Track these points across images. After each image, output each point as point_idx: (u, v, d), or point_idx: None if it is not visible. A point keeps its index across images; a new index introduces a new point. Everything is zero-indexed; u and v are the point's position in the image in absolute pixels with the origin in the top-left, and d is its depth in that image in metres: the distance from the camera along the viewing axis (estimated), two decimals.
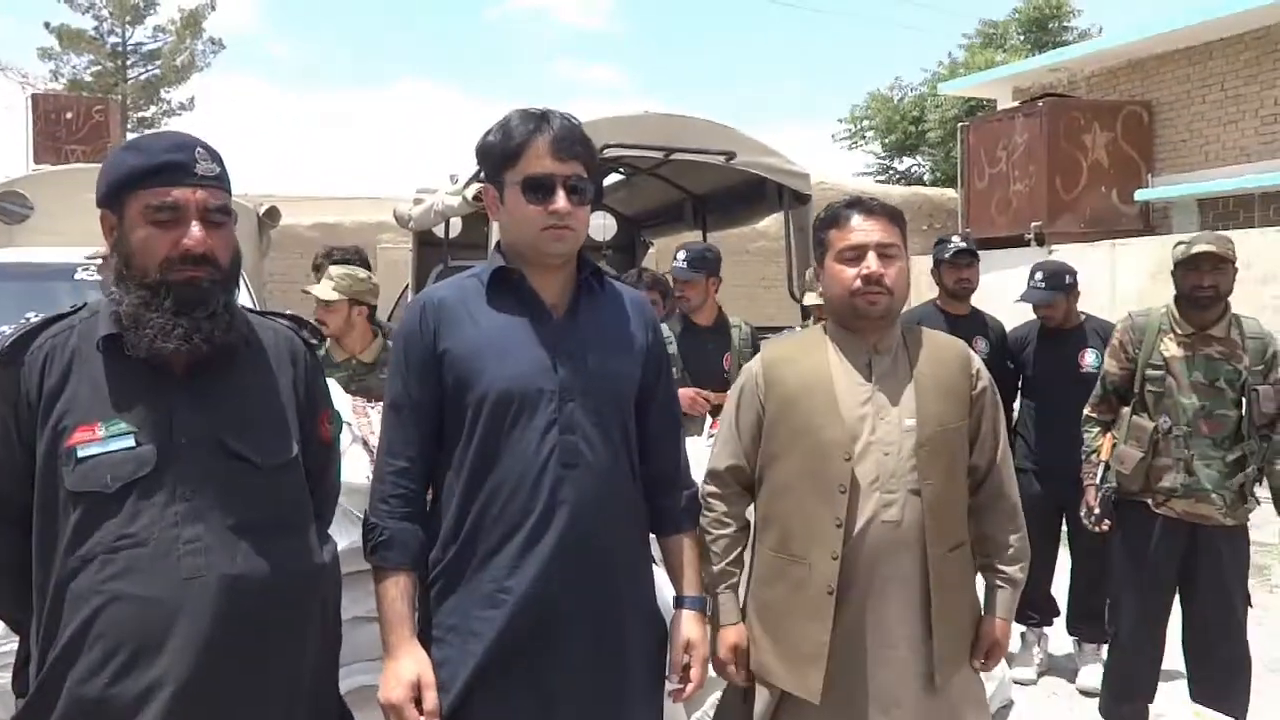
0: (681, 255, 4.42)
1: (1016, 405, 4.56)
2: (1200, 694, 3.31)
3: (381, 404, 3.10)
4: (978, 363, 2.19)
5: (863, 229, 2.07)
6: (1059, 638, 4.57)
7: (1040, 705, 4.16)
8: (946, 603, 2.04)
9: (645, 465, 1.96)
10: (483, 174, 1.92)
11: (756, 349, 4.57)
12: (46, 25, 22.18)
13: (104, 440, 1.53)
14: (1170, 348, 3.37)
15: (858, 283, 2.05)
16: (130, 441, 1.54)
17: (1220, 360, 3.31)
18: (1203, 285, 3.28)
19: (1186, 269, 3.32)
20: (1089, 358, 4.36)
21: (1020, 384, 4.51)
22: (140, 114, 22.12)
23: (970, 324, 4.48)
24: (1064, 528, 4.44)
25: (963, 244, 4.49)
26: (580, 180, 1.83)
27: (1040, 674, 4.44)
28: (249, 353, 1.69)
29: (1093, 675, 4.21)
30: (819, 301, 4.05)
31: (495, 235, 4.94)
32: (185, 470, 1.56)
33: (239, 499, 1.58)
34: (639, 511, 1.95)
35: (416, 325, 1.85)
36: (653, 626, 1.95)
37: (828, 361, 2.12)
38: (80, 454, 1.52)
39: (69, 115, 11.15)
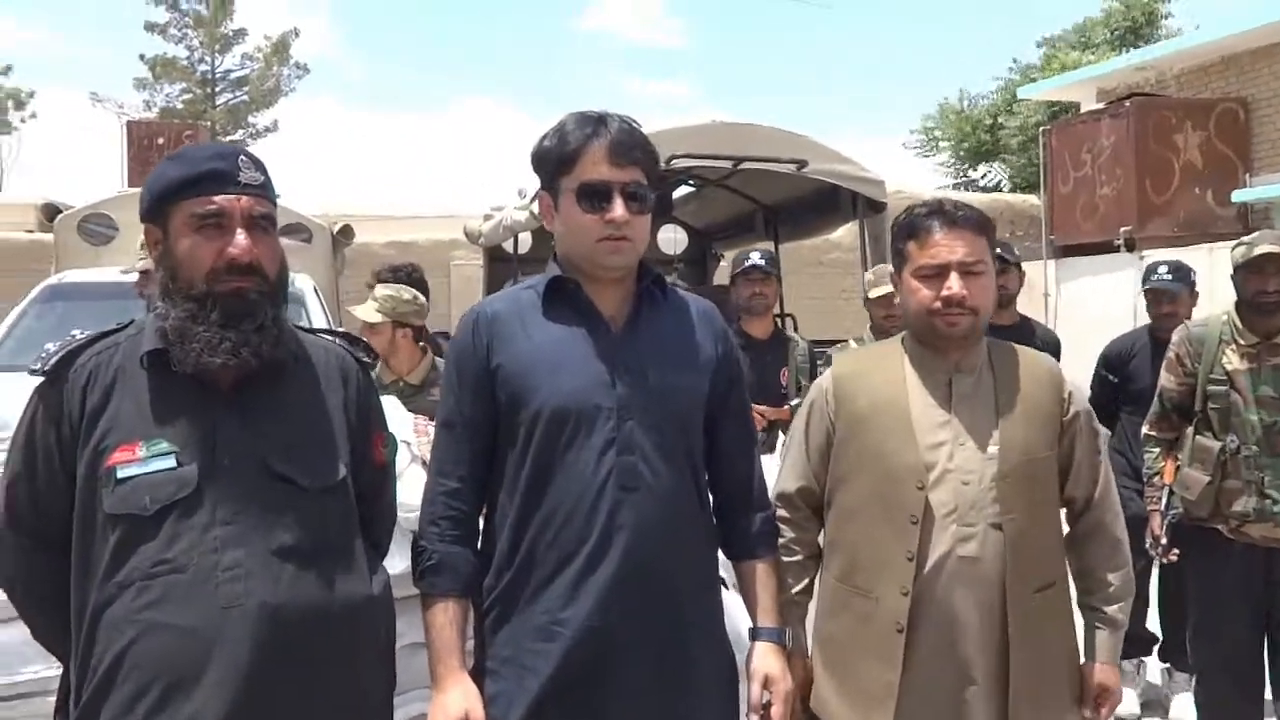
0: (755, 255, 4.34)
1: (1118, 421, 4.34)
2: None
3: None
4: (1071, 385, 2.04)
5: (945, 244, 1.94)
6: (1154, 666, 4.33)
7: None
8: (1030, 648, 1.90)
9: (717, 485, 1.88)
10: (540, 181, 1.86)
11: (814, 364, 4.45)
12: (141, 57, 23.17)
13: (144, 460, 1.50)
14: (1233, 360, 3.09)
15: (937, 304, 1.93)
16: (171, 461, 1.50)
17: None
18: (1267, 290, 3.01)
19: (1249, 272, 3.06)
20: None
21: (1120, 398, 4.26)
22: (229, 138, 22.88)
23: (1015, 336, 4.27)
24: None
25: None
26: (639, 187, 1.75)
27: (1142, 703, 4.20)
28: (298, 370, 1.65)
29: (1185, 706, 4.00)
30: (883, 291, 3.91)
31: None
32: (227, 492, 1.51)
33: (283, 523, 1.53)
34: (707, 536, 1.86)
35: (470, 340, 1.79)
36: (724, 655, 1.86)
37: (904, 379, 2.00)
38: (120, 474, 1.49)
39: (160, 140, 11.57)
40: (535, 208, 5.37)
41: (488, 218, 7.01)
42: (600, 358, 1.74)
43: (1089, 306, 9.92)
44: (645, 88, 55.16)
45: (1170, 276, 4.17)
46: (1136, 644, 4.19)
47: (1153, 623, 4.24)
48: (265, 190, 1.60)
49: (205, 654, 1.44)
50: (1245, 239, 3.17)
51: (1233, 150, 10.92)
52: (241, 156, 1.59)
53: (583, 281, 1.79)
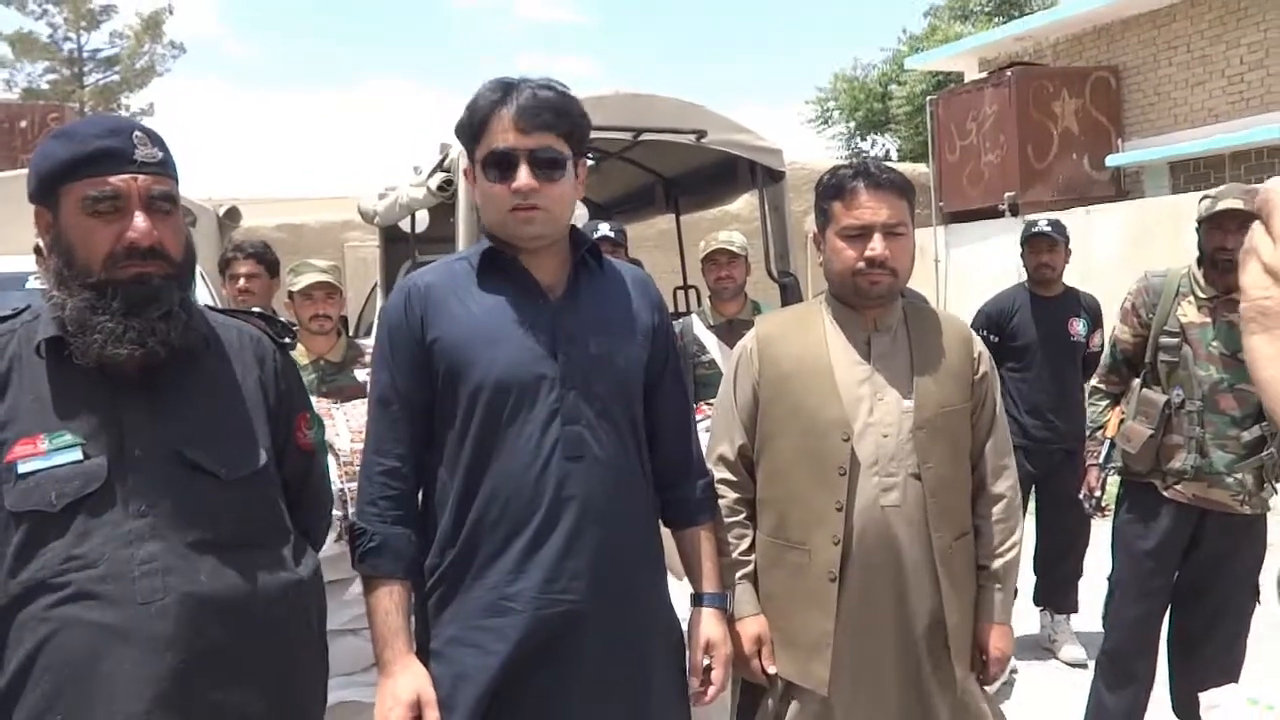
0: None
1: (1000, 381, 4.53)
2: (1180, 690, 3.15)
3: (345, 404, 3.05)
4: (980, 345, 2.12)
5: (869, 206, 1.98)
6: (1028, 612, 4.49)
7: (1039, 680, 4.10)
8: (958, 589, 1.98)
9: (656, 454, 1.87)
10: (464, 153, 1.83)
11: None
12: None
13: (47, 454, 1.41)
14: (1189, 313, 3.00)
15: (861, 264, 1.98)
16: (77, 454, 1.42)
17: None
18: (1226, 246, 2.90)
19: (1210, 227, 2.96)
20: (1078, 326, 4.41)
21: (1003, 355, 4.41)
22: None
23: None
24: (1033, 498, 4.45)
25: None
26: (549, 152, 1.70)
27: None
28: (210, 355, 1.58)
29: (1075, 650, 4.26)
30: (715, 247, 4.07)
31: (463, 227, 4.88)
32: (140, 485, 1.44)
33: (201, 514, 1.47)
34: (651, 505, 1.86)
35: (402, 313, 1.76)
36: (672, 622, 1.86)
37: (825, 338, 2.05)
38: (21, 469, 1.40)
39: (23, 124, 10.90)
40: (432, 184, 5.31)
41: (382, 196, 6.85)
42: (540, 328, 1.73)
43: (977, 271, 10.25)
44: (551, 64, 54.58)
45: (1049, 228, 4.37)
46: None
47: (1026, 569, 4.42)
48: (165, 167, 1.52)
49: (124, 652, 1.38)
50: (1210, 192, 3.08)
51: (1106, 117, 11.39)
52: (136, 132, 1.50)
53: (517, 252, 1.77)
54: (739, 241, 4.32)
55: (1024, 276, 4.58)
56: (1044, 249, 4.40)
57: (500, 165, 1.70)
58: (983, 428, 2.09)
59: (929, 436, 1.97)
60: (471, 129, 1.74)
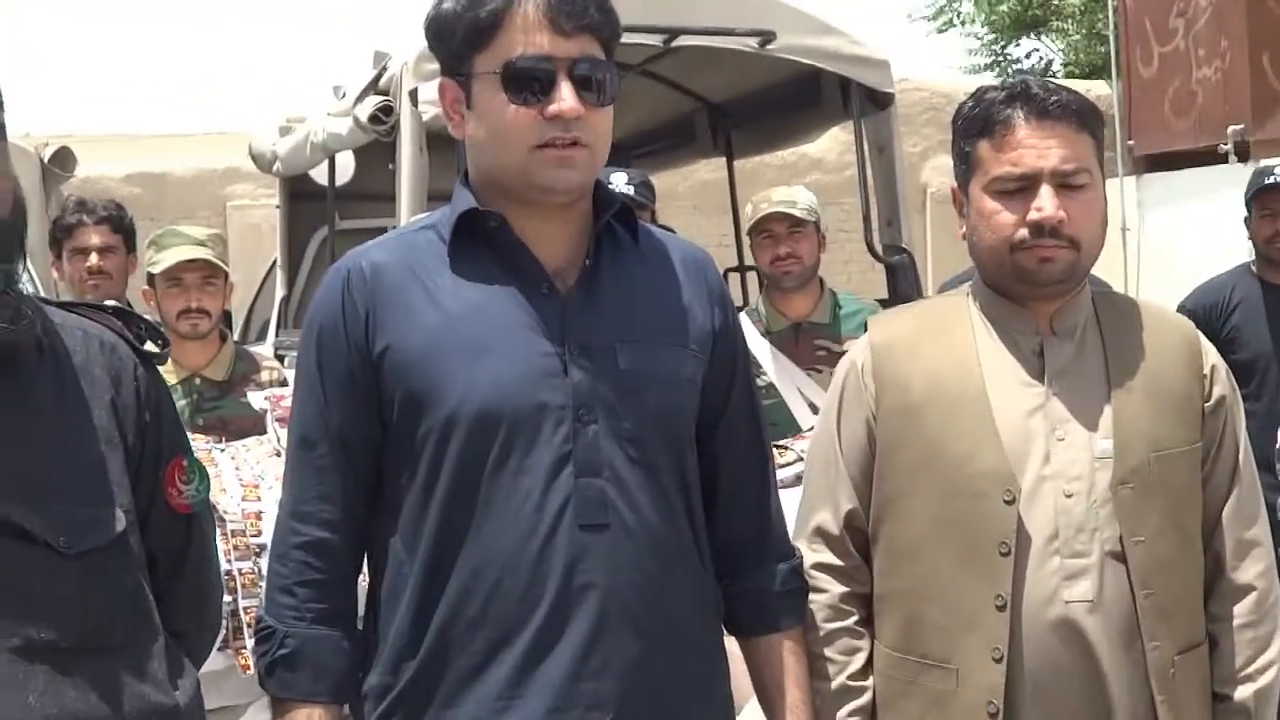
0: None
1: None
2: None
3: (233, 444, 3.06)
4: (1213, 355, 2.13)
5: (1033, 145, 1.98)
6: None
7: None
8: None
9: (715, 524, 1.91)
10: (440, 65, 1.87)
11: None
12: None
13: None
14: None
15: (1023, 231, 1.98)
16: None
17: None
18: None
19: None
20: None
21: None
22: None
23: None
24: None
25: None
26: (597, 65, 1.76)
27: None
28: (43, 368, 1.60)
29: None
30: (768, 211, 4.13)
31: (406, 179, 4.89)
32: None
33: (30, 604, 1.50)
34: (710, 600, 1.89)
35: (337, 309, 1.80)
36: None
37: (974, 348, 2.07)
38: None
39: None
40: (362, 111, 5.34)
41: (285, 132, 6.92)
42: (543, 331, 1.76)
43: (1186, 244, 10.19)
44: None
45: None
46: None
47: None
48: None
49: None
50: None
51: None
52: None
53: (510, 215, 1.79)
54: (805, 202, 4.34)
55: (1253, 254, 4.62)
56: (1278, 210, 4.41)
57: (528, 81, 1.73)
58: (1220, 482, 2.09)
59: (1137, 496, 1.97)
60: (474, 30, 1.76)
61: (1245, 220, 4.57)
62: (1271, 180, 4.44)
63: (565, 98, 1.72)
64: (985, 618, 1.96)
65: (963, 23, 21.88)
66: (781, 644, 1.94)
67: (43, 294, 4.51)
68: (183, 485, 1.73)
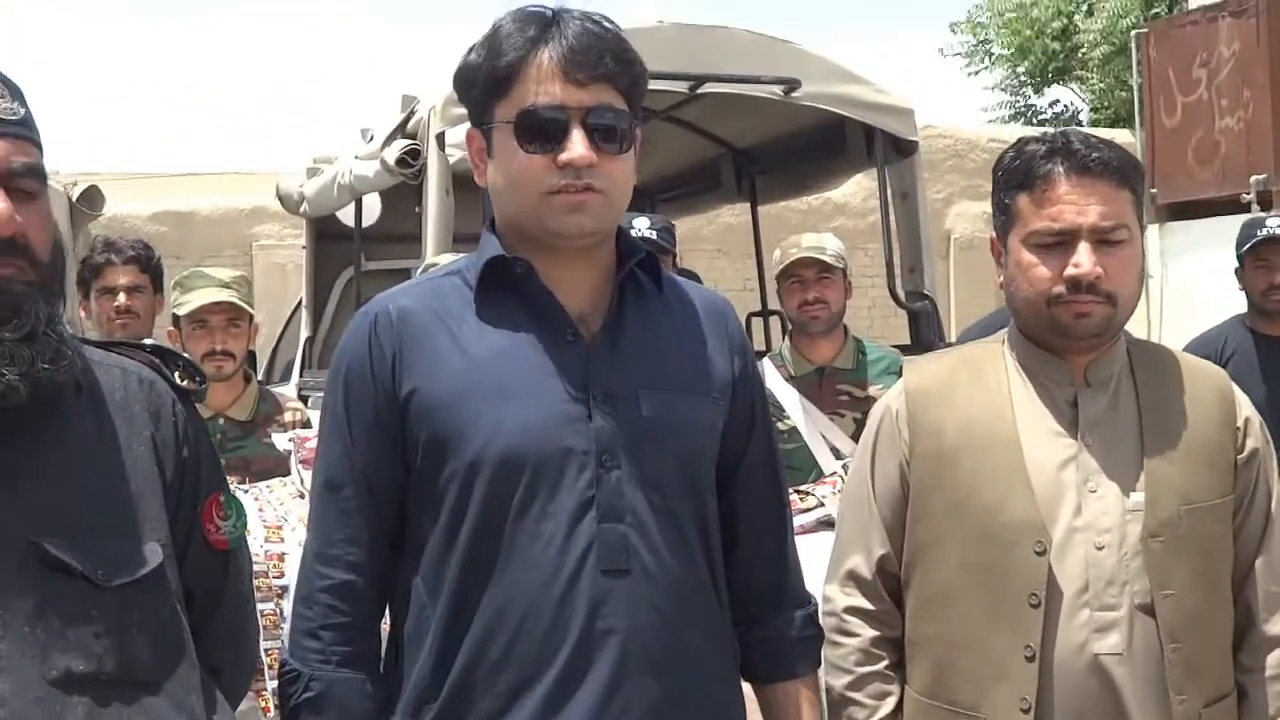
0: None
1: None
2: None
3: (257, 485, 3.06)
4: (1247, 408, 2.13)
5: (1073, 201, 2.00)
6: None
7: None
8: None
9: (734, 570, 1.91)
10: (468, 115, 1.89)
11: None
12: None
13: None
14: None
15: (1060, 286, 2.00)
16: None
17: None
18: None
19: None
20: None
21: None
22: None
23: None
24: None
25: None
26: (611, 115, 1.77)
27: None
28: (81, 405, 1.61)
29: None
30: (797, 256, 4.11)
31: (432, 221, 4.92)
32: None
33: (67, 635, 1.50)
34: (729, 645, 1.89)
35: (365, 352, 1.81)
36: None
37: (1009, 397, 2.08)
38: None
39: None
40: (390, 154, 5.38)
41: (312, 174, 6.96)
42: (568, 377, 1.77)
43: (1208, 291, 10.15)
44: None
45: None
46: None
47: None
48: (28, 129, 1.56)
49: None
50: None
51: None
52: None
53: (535, 261, 1.80)
54: (833, 248, 4.34)
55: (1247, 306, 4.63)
56: (1277, 263, 4.39)
57: (541, 130, 1.75)
58: (1251, 535, 2.09)
59: (1169, 549, 1.97)
60: (494, 80, 1.78)
61: (1236, 272, 4.55)
62: (1265, 233, 4.40)
63: (576, 146, 1.73)
64: (1014, 668, 1.96)
65: (994, 63, 22.00)
66: (799, 691, 1.94)
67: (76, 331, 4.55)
68: (220, 521, 1.75)
